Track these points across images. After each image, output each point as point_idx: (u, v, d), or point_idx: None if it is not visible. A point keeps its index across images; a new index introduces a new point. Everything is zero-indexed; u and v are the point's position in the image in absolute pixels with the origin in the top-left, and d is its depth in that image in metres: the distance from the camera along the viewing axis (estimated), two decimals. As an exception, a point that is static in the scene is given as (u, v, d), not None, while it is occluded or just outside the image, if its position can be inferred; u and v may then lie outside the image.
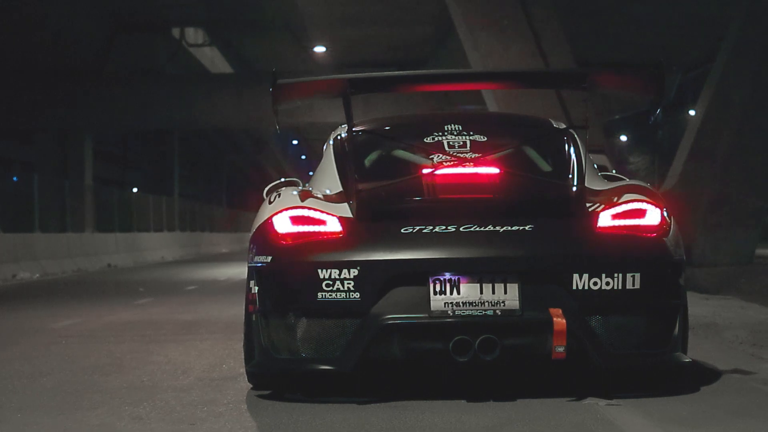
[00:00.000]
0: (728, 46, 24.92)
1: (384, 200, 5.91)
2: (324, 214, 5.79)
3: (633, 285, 5.61)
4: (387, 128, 6.94)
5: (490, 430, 4.95)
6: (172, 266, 28.47)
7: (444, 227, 5.68)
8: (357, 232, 5.71)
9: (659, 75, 6.22)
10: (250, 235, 6.13)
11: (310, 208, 5.83)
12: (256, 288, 5.80)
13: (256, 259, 5.86)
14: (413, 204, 5.90)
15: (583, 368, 5.77)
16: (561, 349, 5.50)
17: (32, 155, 45.15)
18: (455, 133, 6.41)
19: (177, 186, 51.36)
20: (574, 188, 6.04)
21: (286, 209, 5.86)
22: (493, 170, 6.01)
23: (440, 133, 6.41)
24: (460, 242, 5.64)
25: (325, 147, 6.85)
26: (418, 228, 5.68)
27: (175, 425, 5.17)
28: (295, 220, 5.80)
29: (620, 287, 5.60)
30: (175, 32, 40.82)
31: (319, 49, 40.69)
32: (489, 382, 6.22)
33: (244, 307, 7.64)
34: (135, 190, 52.72)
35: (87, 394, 6.14)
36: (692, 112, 37.60)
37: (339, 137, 6.73)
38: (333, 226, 5.74)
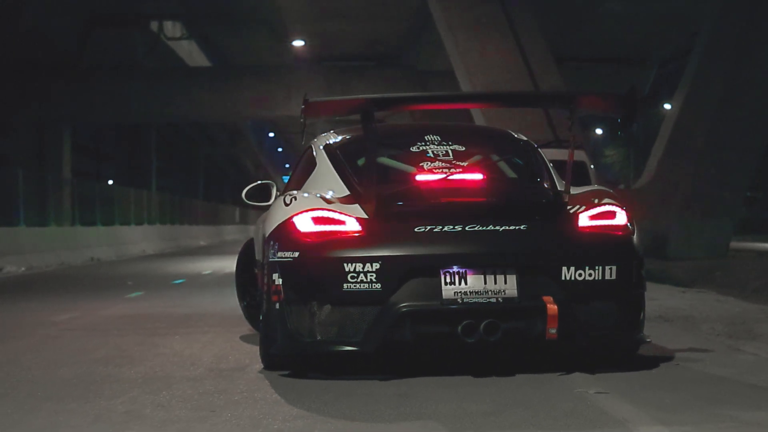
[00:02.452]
0: (702, 42, 25.40)
1: (397, 203, 6.70)
2: (342, 215, 6.61)
3: (610, 276, 6.60)
4: (388, 135, 7.65)
5: (489, 416, 5.34)
6: (154, 259, 28.76)
7: (452, 227, 6.56)
8: (376, 231, 6.55)
9: (633, 98, 6.97)
10: (266, 233, 6.92)
11: (330, 210, 6.64)
12: (280, 280, 6.58)
13: (280, 254, 6.62)
14: (423, 206, 6.69)
15: (567, 348, 6.76)
16: (554, 331, 6.42)
17: (7, 148, 45.16)
18: (436, 143, 7.31)
19: (155, 179, 51.57)
20: (556, 193, 7.00)
21: (308, 210, 6.65)
22: (487, 177, 7.02)
23: (423, 143, 7.29)
24: (466, 240, 6.54)
25: (315, 153, 7.63)
26: (429, 227, 6.54)
27: (198, 412, 5.54)
28: (317, 220, 6.59)
29: (600, 278, 6.59)
30: (154, 26, 40.98)
31: (298, 43, 40.96)
32: (484, 366, 6.63)
33: (238, 299, 9.53)
34: (110, 182, 52.84)
35: (106, 384, 6.51)
36: (667, 106, 38.16)
37: (329, 144, 7.58)
38: (352, 225, 6.57)
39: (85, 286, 17.24)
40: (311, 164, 7.60)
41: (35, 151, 42.59)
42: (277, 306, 6.58)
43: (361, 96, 7.08)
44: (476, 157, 7.27)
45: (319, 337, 6.46)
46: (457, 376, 6.55)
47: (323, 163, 7.38)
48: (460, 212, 6.65)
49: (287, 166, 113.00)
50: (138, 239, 35.23)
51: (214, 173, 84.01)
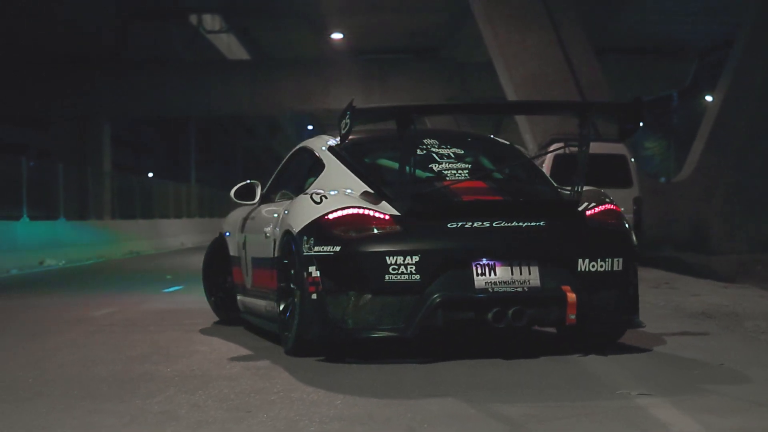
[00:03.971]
0: (745, 34, 25.10)
1: (428, 201, 7.21)
2: (378, 213, 7.11)
3: (618, 267, 7.26)
4: (382, 140, 8.39)
5: (530, 418, 5.24)
6: (193, 253, 28.78)
7: (480, 223, 7.10)
8: (412, 227, 7.05)
9: (638, 107, 7.36)
10: (294, 229, 7.32)
11: (367, 208, 7.14)
12: (318, 272, 7.05)
13: (317, 248, 7.08)
14: (452, 204, 7.21)
15: (583, 332, 7.40)
16: (573, 317, 7.03)
17: (48, 142, 45.43)
18: (436, 147, 7.90)
19: (194, 172, 51.69)
20: (569, 193, 7.55)
21: (346, 207, 7.14)
22: (503, 177, 7.87)
23: (424, 146, 7.86)
24: (494, 235, 7.11)
25: (318, 154, 8.16)
26: (460, 224, 7.07)
27: (233, 412, 5.47)
28: (356, 216, 7.08)
29: (610, 269, 7.23)
30: (193, 19, 41.01)
31: (336, 36, 40.88)
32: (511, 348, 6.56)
33: (206, 295, 10.29)
34: (150, 175, 53.02)
35: (142, 382, 6.46)
36: (709, 98, 37.77)
37: (333, 146, 8.10)
38: (389, 221, 7.08)
39: (124, 280, 17.27)
40: (315, 165, 8.11)
41: (75, 145, 42.81)
42: (314, 296, 7.05)
43: (404, 104, 7.44)
44: (475, 159, 8.02)
45: (359, 325, 6.95)
46: (487, 359, 7.08)
47: (333, 163, 7.89)
48: (486, 209, 7.17)
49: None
50: (177, 232, 35.35)
51: (253, 166, 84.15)
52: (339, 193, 7.35)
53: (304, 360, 7.23)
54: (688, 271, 17.01)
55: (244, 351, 7.84)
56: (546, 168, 18.20)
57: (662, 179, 37.61)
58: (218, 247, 9.98)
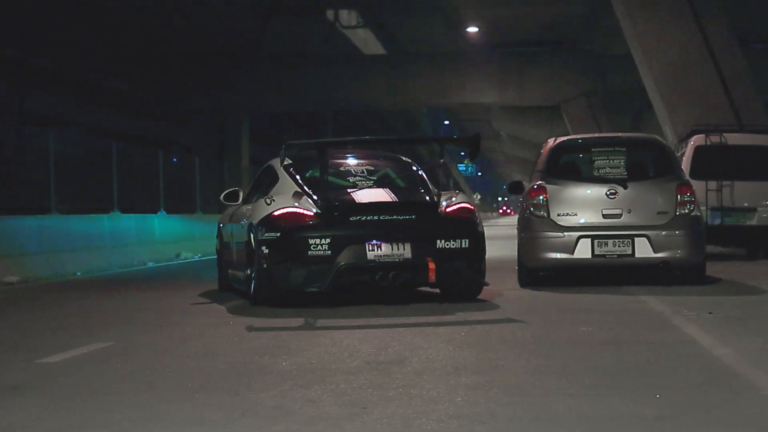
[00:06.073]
0: None
1: (338, 203, 10.59)
2: (305, 211, 10.50)
3: (465, 245, 10.61)
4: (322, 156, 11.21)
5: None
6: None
7: (372, 217, 10.50)
8: (327, 220, 10.44)
9: (476, 141, 11.37)
10: (253, 222, 10.68)
11: (298, 207, 10.54)
12: (267, 250, 10.39)
13: (266, 235, 10.44)
14: (354, 205, 10.58)
15: (442, 288, 10.99)
16: (433, 278, 10.41)
17: (189, 137, 46.13)
18: (354, 164, 11.44)
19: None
20: (427, 195, 11.01)
21: (284, 207, 10.54)
22: (390, 187, 11.04)
23: (346, 164, 11.42)
24: (380, 224, 10.48)
25: (276, 170, 11.54)
26: (359, 218, 10.48)
27: (348, 408, 5.26)
28: (291, 213, 10.48)
29: (459, 247, 10.58)
30: (329, 14, 41.15)
31: (472, 30, 40.55)
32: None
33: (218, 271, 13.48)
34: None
35: (259, 375, 6.30)
36: None
37: (286, 165, 11.37)
38: (312, 216, 10.46)
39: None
40: (274, 178, 11.51)
41: (215, 140, 43.36)
42: (265, 266, 10.39)
43: (318, 140, 11.62)
44: (381, 172, 11.42)
45: (294, 285, 10.35)
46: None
47: (284, 177, 11.28)
48: (376, 208, 10.56)
49: (462, 153, 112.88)
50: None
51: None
52: (283, 197, 10.73)
53: (426, 356, 7.00)
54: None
55: (366, 345, 7.63)
56: (687, 159, 17.63)
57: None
58: (220, 236, 13.27)
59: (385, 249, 10.26)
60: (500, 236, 32.31)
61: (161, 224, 23.65)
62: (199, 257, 22.86)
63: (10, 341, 8.56)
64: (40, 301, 12.99)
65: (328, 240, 10.17)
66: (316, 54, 42.71)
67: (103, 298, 12.86)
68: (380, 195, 10.73)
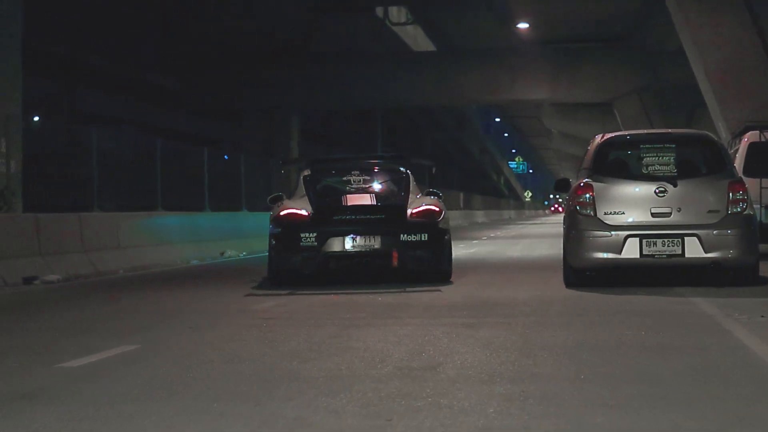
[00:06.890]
0: None
1: (326, 206, 13.56)
2: (301, 211, 13.27)
3: (425, 239, 13.15)
4: (331, 170, 14.71)
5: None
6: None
7: (352, 216, 13.32)
8: (316, 219, 13.20)
9: (430, 162, 16.90)
10: (270, 219, 13.63)
11: (296, 209, 13.33)
12: (273, 242, 13.35)
13: (274, 230, 13.34)
14: (339, 207, 13.57)
15: (402, 271, 13.39)
16: (396, 263, 13.05)
17: (239, 135, 46.06)
18: (356, 175, 14.15)
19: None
20: (401, 199, 13.74)
21: (287, 209, 13.38)
22: (372, 194, 13.93)
23: (345, 175, 14.21)
24: (359, 222, 13.23)
25: (300, 180, 14.26)
26: (341, 217, 13.31)
27: (371, 420, 4.97)
28: (289, 213, 13.29)
29: (419, 239, 13.12)
30: (379, 11, 40.89)
31: (522, 26, 40.13)
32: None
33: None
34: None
35: (284, 382, 6.03)
36: None
37: (304, 176, 14.17)
38: (306, 216, 13.22)
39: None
40: (296, 185, 14.39)
41: (265, 137, 43.25)
42: (273, 254, 13.41)
43: (310, 158, 15.72)
44: (371, 183, 14.11)
45: (291, 268, 13.19)
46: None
47: (300, 185, 14.07)
48: (355, 209, 13.43)
49: (514, 151, 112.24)
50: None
51: (440, 158, 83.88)
52: (292, 201, 13.68)
53: (461, 362, 6.69)
54: None
55: (399, 350, 7.32)
56: (740, 156, 17.17)
57: None
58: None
59: (360, 241, 13.06)
60: (548, 235, 31.83)
61: (206, 222, 23.49)
62: (244, 255, 22.68)
63: (38, 344, 8.35)
64: (77, 300, 12.81)
65: (315, 234, 12.97)
66: (365, 51, 42.47)
67: (140, 299, 12.66)
68: (363, 199, 13.74)
